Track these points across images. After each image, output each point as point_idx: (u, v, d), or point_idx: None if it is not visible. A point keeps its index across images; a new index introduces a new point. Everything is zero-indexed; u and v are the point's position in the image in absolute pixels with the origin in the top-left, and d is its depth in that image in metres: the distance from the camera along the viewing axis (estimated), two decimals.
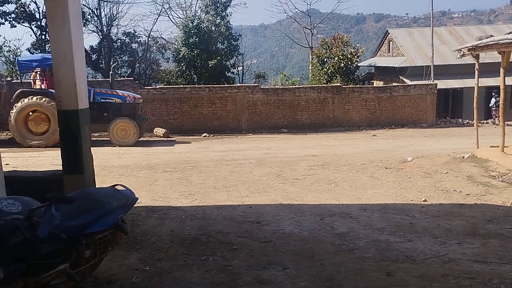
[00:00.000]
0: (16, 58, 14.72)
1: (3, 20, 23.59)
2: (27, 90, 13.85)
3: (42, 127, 13.70)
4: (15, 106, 13.50)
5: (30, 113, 13.68)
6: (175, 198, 7.35)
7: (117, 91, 15.01)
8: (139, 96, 15.32)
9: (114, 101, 14.38)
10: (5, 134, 16.13)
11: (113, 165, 10.30)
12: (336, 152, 12.48)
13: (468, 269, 4.29)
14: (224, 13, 24.08)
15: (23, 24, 23.93)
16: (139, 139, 14.76)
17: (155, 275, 4.13)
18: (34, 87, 14.45)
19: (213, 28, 23.45)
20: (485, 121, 21.86)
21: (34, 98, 13.53)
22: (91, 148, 5.48)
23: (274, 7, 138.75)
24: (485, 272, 4.19)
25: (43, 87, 14.18)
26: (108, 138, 14.26)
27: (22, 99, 13.54)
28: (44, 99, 13.50)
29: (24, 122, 13.56)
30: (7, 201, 3.15)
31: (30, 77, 14.83)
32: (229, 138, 16.70)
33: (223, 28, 23.50)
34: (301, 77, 31.39)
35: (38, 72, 14.47)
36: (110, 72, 15.56)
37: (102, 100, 14.32)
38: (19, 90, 13.76)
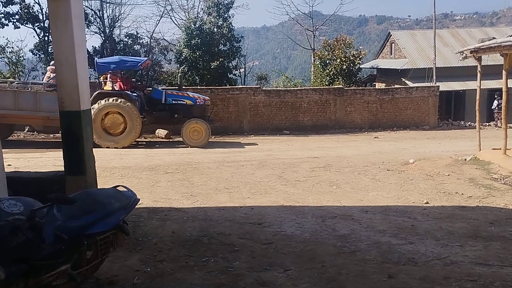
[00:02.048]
0: (95, 60, 14.81)
1: (7, 21, 23.64)
2: (104, 92, 13.92)
3: (118, 128, 13.84)
4: (93, 108, 13.45)
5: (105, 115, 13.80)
6: (177, 199, 7.36)
7: (188, 92, 15.31)
8: (208, 98, 15.48)
9: (185, 102, 14.54)
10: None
11: (115, 166, 10.31)
12: (338, 154, 12.47)
13: (470, 271, 4.28)
14: (226, 15, 24.09)
15: (26, 25, 23.97)
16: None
17: (156, 276, 4.13)
18: (103, 88, 14.36)
19: (215, 29, 23.46)
20: (487, 124, 21.81)
21: (111, 99, 13.65)
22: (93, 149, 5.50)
23: (276, 9, 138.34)
24: (487, 275, 4.18)
25: (116, 89, 14.27)
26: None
27: (99, 101, 13.64)
28: (121, 100, 13.65)
29: (100, 123, 13.68)
30: (9, 202, 3.16)
31: (100, 79, 14.89)
32: (231, 140, 16.71)
33: (225, 30, 23.52)
34: (303, 79, 31.39)
35: (109, 74, 14.49)
36: (179, 75, 15.74)
37: (173, 101, 14.50)
38: (96, 92, 13.84)
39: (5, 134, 14.65)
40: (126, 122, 13.72)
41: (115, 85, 14.30)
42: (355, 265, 4.43)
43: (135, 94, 14.26)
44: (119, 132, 13.85)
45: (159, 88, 15.74)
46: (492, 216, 6.34)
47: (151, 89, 15.19)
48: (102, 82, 14.54)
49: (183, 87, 16.23)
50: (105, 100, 13.64)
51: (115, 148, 13.49)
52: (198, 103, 14.66)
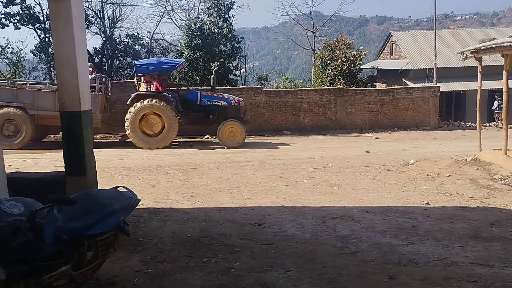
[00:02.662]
0: (133, 62, 14.94)
1: (8, 22, 23.67)
2: (142, 93, 14.03)
3: (155, 129, 13.95)
4: (134, 107, 13.73)
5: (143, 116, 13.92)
6: (177, 200, 7.36)
7: (223, 94, 15.41)
8: (242, 99, 15.61)
9: (220, 103, 14.66)
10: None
11: (116, 166, 10.31)
12: (339, 155, 12.47)
13: (470, 272, 4.28)
14: (226, 15, 24.10)
15: (27, 26, 24.00)
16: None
17: (157, 277, 4.13)
18: (139, 90, 14.47)
19: (215, 30, 23.46)
20: (488, 124, 21.80)
21: (149, 101, 13.75)
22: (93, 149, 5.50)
23: (276, 10, 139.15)
24: (488, 275, 4.17)
25: (152, 90, 14.35)
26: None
27: (137, 102, 13.76)
28: (158, 101, 13.75)
29: (138, 125, 13.81)
30: (9, 203, 3.16)
31: (134, 80, 15.03)
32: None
33: (226, 30, 23.52)
34: (303, 80, 31.38)
35: (144, 75, 14.57)
36: (212, 76, 15.87)
37: (208, 102, 14.62)
38: (135, 93, 14.03)
39: (41, 135, 14.79)
40: (163, 123, 13.85)
41: (150, 87, 14.40)
42: (355, 266, 4.43)
43: (170, 95, 14.41)
44: (156, 133, 13.98)
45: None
46: (492, 217, 6.33)
47: (186, 90, 15.34)
48: (137, 84, 14.65)
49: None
50: (143, 102, 13.75)
51: (151, 149, 13.65)
52: (232, 104, 14.80)
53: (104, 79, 15.00)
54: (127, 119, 13.78)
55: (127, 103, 14.16)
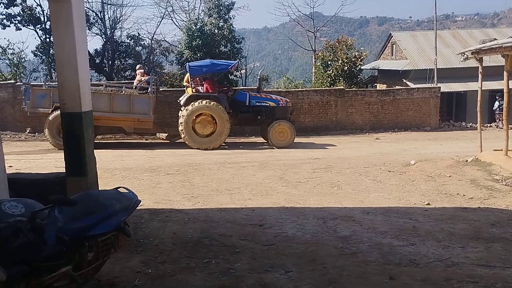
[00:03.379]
0: (187, 64, 15.15)
1: (9, 23, 23.69)
2: (195, 94, 14.15)
3: (207, 129, 14.10)
4: (187, 109, 13.88)
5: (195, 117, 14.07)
6: (178, 200, 7.36)
7: (271, 95, 15.62)
8: (288, 100, 15.76)
9: (268, 104, 14.80)
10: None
11: (116, 167, 10.31)
12: (339, 155, 12.47)
13: (471, 273, 4.28)
14: (227, 16, 24.11)
15: (28, 27, 24.02)
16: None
17: (157, 277, 4.13)
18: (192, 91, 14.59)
19: (216, 31, 23.47)
20: (488, 125, 21.79)
21: (204, 101, 13.90)
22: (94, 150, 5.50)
23: (277, 10, 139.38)
24: (489, 276, 4.17)
25: (202, 91, 14.49)
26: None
27: (191, 103, 13.90)
28: (212, 102, 13.90)
29: (191, 125, 13.98)
30: (10, 203, 3.16)
31: (183, 82, 15.33)
32: (232, 141, 16.69)
33: (226, 31, 23.52)
34: (304, 80, 31.36)
35: (191, 77, 14.69)
36: (258, 77, 16.07)
37: (257, 103, 14.76)
38: (189, 94, 14.15)
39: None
40: (215, 124, 14.02)
41: (200, 88, 14.57)
42: (356, 267, 4.42)
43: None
44: (207, 134, 14.13)
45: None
46: (493, 218, 6.33)
47: (234, 91, 15.48)
48: (190, 86, 14.77)
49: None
50: (198, 103, 13.89)
51: (205, 149, 13.81)
52: (280, 105, 14.94)
53: (154, 81, 15.23)
54: (181, 120, 13.99)
55: (181, 104, 14.31)
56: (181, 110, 14.22)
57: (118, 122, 14.26)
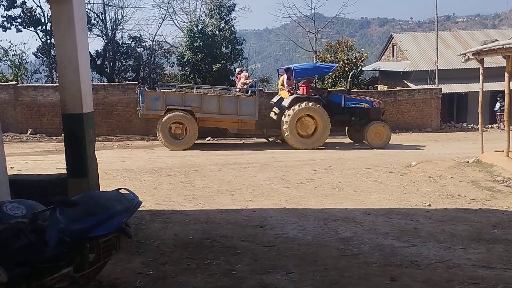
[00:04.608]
0: (291, 67, 15.66)
1: (9, 25, 23.72)
2: (299, 97, 14.52)
3: (309, 130, 14.48)
4: (293, 109, 14.23)
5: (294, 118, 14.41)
6: (179, 202, 7.36)
7: (365, 96, 16.09)
8: (381, 101, 16.01)
9: (363, 106, 15.14)
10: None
11: (117, 168, 10.32)
12: (340, 156, 12.47)
13: (473, 274, 4.27)
14: (228, 17, 24.10)
15: (29, 28, 24.05)
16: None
17: (158, 279, 4.13)
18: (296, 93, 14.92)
19: (217, 32, 23.46)
20: (490, 126, 21.77)
21: (309, 103, 14.31)
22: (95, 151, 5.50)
23: (278, 12, 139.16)
24: (490, 278, 4.16)
25: (299, 93, 14.76)
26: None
27: (295, 105, 14.27)
28: (314, 104, 14.36)
29: (295, 126, 14.34)
30: (11, 205, 3.16)
31: (278, 85, 15.77)
32: (233, 142, 16.71)
33: (227, 32, 23.52)
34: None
35: (285, 78, 15.20)
36: (349, 80, 16.18)
37: (352, 105, 15.09)
38: (293, 96, 14.51)
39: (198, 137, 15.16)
40: (316, 125, 14.42)
41: (296, 91, 14.89)
42: (357, 268, 4.42)
43: None
44: (308, 135, 14.50)
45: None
46: (495, 219, 6.32)
47: (330, 93, 15.74)
48: (295, 88, 15.13)
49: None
50: (301, 105, 14.25)
51: (307, 149, 14.12)
52: (374, 106, 15.19)
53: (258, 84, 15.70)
54: (286, 121, 14.30)
55: (285, 106, 14.58)
56: (284, 112, 14.57)
57: (224, 123, 14.91)
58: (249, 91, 14.81)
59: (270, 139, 15.91)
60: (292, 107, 14.26)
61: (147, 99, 14.07)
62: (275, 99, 15.51)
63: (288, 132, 14.30)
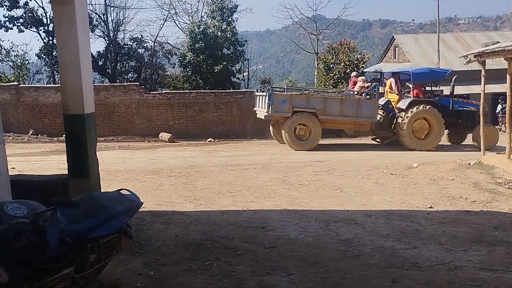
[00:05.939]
0: (410, 71, 16.12)
1: (11, 25, 23.78)
2: (416, 100, 15.00)
3: (424, 132, 14.91)
4: (411, 111, 14.58)
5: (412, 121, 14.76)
6: (180, 203, 7.35)
7: (471, 100, 16.63)
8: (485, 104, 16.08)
9: (469, 109, 15.60)
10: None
11: (118, 169, 10.32)
12: (341, 158, 12.45)
13: (474, 276, 4.26)
14: (230, 19, 24.14)
15: (30, 29, 24.11)
16: None
17: (159, 280, 4.13)
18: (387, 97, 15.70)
19: (219, 33, 23.50)
20: None
21: (427, 106, 14.74)
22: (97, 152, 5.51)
23: (280, 13, 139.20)
24: (491, 280, 4.16)
25: (410, 95, 15.25)
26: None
27: (412, 108, 14.67)
28: (430, 107, 14.78)
29: (411, 128, 14.72)
30: (12, 205, 3.17)
31: (386, 87, 16.16)
32: (234, 143, 16.72)
33: (229, 34, 23.56)
34: (306, 83, 31.36)
35: (393, 82, 15.72)
36: (452, 84, 16.16)
37: (459, 108, 15.56)
38: (411, 99, 15.02)
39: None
40: (430, 127, 14.82)
41: (406, 94, 15.38)
42: (358, 270, 4.41)
43: None
44: (423, 136, 14.88)
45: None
46: (496, 221, 6.31)
47: (439, 96, 16.04)
48: (411, 91, 15.55)
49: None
50: (417, 108, 14.62)
51: (421, 150, 14.37)
52: (479, 109, 15.13)
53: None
54: (403, 123, 14.61)
55: (403, 108, 14.85)
56: (401, 114, 14.86)
57: (342, 125, 15.32)
58: (367, 95, 15.17)
59: (385, 142, 16.12)
60: (410, 110, 14.61)
61: (276, 101, 14.44)
62: (381, 102, 15.68)
63: (405, 133, 14.63)
